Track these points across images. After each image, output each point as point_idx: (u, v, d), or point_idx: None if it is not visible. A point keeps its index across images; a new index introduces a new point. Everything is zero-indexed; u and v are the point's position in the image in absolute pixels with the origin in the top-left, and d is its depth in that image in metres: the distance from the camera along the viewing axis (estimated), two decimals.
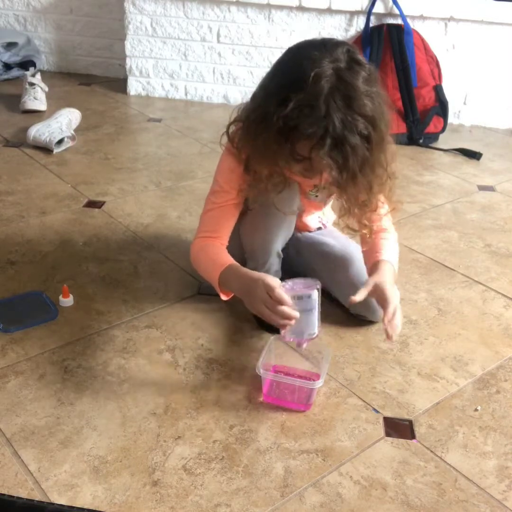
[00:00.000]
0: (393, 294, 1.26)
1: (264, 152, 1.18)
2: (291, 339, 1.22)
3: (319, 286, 1.20)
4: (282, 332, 1.20)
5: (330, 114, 1.08)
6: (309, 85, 1.08)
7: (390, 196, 1.30)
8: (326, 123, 1.08)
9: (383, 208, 1.36)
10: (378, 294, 1.28)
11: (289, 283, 1.18)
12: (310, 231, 1.60)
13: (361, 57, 1.14)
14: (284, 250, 1.49)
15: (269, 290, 1.15)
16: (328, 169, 1.13)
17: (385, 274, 1.30)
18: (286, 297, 1.15)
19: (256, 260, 1.45)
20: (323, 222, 1.60)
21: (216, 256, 1.33)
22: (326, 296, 1.48)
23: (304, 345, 1.23)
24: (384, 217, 1.39)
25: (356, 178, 1.15)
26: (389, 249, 1.37)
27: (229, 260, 1.31)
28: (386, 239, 1.38)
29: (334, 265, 1.51)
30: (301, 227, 1.58)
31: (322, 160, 1.11)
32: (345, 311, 1.50)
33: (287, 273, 1.56)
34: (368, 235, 1.34)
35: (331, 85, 1.08)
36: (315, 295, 1.19)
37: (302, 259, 1.58)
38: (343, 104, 1.08)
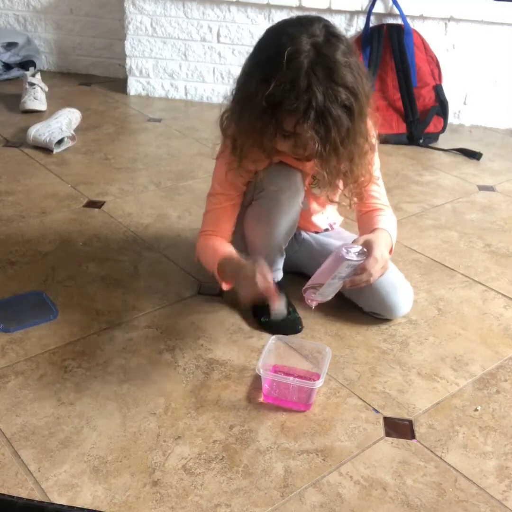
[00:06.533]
0: (379, 251, 1.22)
1: (249, 131, 1.21)
2: (315, 302, 1.26)
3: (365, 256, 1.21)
4: (308, 293, 1.24)
5: (312, 88, 1.10)
6: (288, 62, 1.10)
7: (369, 168, 1.31)
8: (309, 96, 1.10)
9: (378, 187, 1.40)
10: (367, 250, 1.24)
11: (344, 249, 1.18)
12: (317, 232, 1.60)
13: (337, 30, 1.18)
14: (288, 250, 1.49)
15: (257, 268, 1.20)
16: (311, 142, 1.15)
17: (379, 236, 1.29)
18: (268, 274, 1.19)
19: (257, 253, 1.45)
20: (331, 223, 1.60)
21: (217, 247, 1.38)
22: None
23: (314, 305, 1.28)
24: (382, 197, 1.42)
25: (338, 149, 1.17)
26: (386, 222, 1.37)
27: (228, 251, 1.34)
28: (382, 215, 1.40)
29: None
30: (308, 227, 1.58)
31: (306, 134, 1.13)
32: (356, 310, 1.51)
33: (289, 273, 1.57)
34: (349, 207, 1.38)
35: (311, 60, 1.11)
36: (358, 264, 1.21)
37: (308, 260, 1.58)
38: (324, 77, 1.11)
